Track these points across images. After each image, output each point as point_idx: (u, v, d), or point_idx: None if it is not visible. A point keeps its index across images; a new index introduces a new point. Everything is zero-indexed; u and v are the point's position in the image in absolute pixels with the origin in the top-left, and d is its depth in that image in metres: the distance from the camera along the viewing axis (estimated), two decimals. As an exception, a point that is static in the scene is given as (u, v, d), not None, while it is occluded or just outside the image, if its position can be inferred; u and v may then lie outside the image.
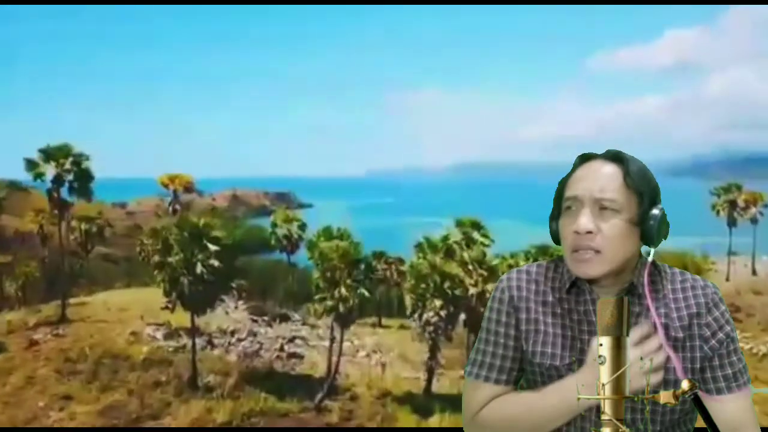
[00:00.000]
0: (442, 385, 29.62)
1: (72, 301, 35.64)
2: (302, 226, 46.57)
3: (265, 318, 40.09)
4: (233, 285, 49.24)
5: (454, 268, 27.26)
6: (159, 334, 29.18)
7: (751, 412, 1.45)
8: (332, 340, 26.19)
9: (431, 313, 26.76)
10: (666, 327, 1.43)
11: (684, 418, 1.46)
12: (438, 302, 26.66)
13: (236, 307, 42.28)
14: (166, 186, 34.95)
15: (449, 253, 35.06)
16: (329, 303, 24.34)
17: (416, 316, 27.32)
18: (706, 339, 1.45)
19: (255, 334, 35.96)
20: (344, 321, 24.94)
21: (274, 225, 46.03)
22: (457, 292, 26.98)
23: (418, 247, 37.34)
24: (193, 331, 25.83)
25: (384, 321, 44.57)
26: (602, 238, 1.41)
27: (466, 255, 28.08)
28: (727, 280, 46.31)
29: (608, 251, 1.41)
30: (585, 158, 1.50)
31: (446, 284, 26.75)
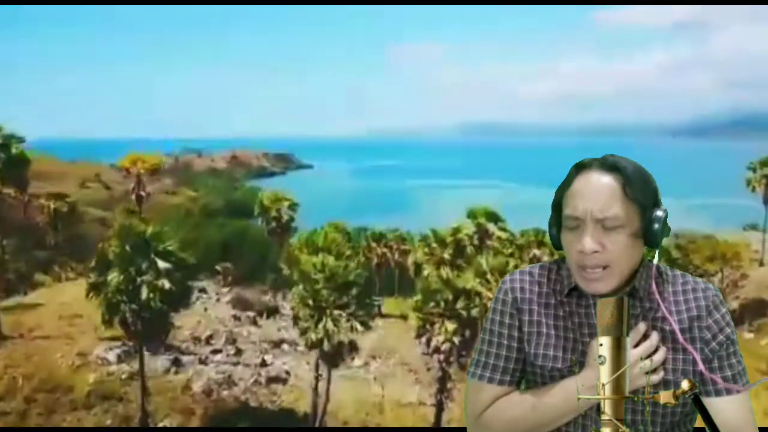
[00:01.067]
0: (451, 413, 23.94)
1: (27, 299, 29.86)
2: (293, 206, 40.68)
3: (250, 314, 34.24)
4: (218, 268, 43.89)
5: (469, 281, 21.13)
6: (112, 355, 23.22)
7: (750, 413, 1.40)
8: (317, 377, 20.16)
9: (441, 338, 20.78)
10: (665, 330, 1.38)
11: (684, 419, 1.41)
12: (450, 325, 20.63)
13: (218, 300, 36.53)
14: (127, 170, 28.44)
15: (460, 250, 28.99)
16: (313, 336, 18.27)
17: (423, 340, 21.36)
18: (707, 341, 1.40)
19: (234, 341, 30.08)
20: (332, 359, 18.87)
21: (262, 206, 40.14)
22: (474, 311, 20.93)
23: (424, 240, 31.22)
24: (142, 369, 19.79)
25: (385, 305, 39.23)
26: (608, 255, 1.35)
27: (484, 262, 21.91)
28: (761, 265, 40.35)
29: (615, 267, 1.36)
30: (580, 167, 1.42)
31: (460, 303, 20.70)
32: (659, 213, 1.36)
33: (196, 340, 28.77)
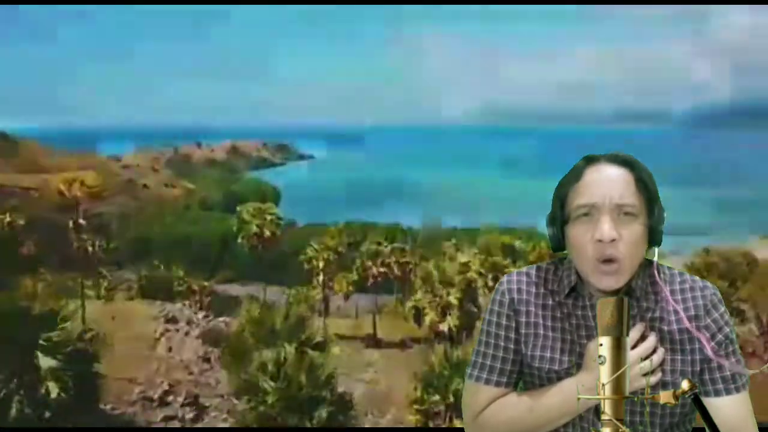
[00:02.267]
0: None
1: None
2: (276, 222, 34.77)
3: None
4: (195, 288, 37.93)
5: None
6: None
7: (749, 413, 1.37)
8: None
9: (449, 442, 14.77)
10: (662, 330, 1.34)
11: (683, 420, 1.37)
12: (460, 423, 14.67)
13: (188, 333, 30.57)
14: (62, 194, 22.33)
15: (470, 293, 22.93)
16: (264, 467, 12.24)
17: (424, 442, 15.32)
18: (705, 341, 1.36)
19: (197, 397, 24.15)
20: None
21: (242, 220, 34.33)
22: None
23: (425, 279, 25.03)
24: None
25: (381, 318, 33.71)
26: (624, 245, 1.30)
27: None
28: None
29: (629, 258, 1.31)
30: (590, 160, 1.37)
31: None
32: (662, 211, 1.33)
33: (148, 401, 22.87)
